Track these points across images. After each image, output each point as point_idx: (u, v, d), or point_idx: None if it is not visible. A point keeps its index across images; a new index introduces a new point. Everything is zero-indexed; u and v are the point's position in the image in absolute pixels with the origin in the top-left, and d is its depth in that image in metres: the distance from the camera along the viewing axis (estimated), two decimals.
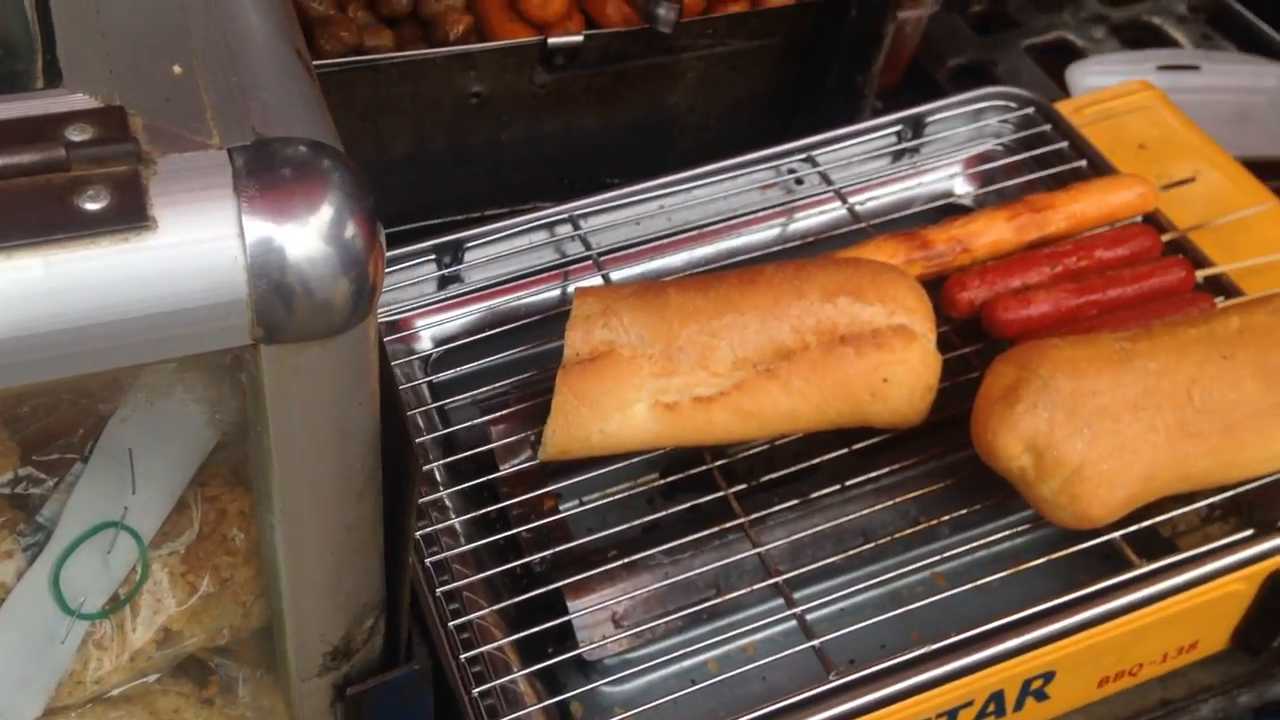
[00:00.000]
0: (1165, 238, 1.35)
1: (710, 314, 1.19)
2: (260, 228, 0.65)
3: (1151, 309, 1.26)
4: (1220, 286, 1.33)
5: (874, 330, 1.18)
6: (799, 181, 1.53)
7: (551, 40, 1.49)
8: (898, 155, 1.55)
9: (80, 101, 0.67)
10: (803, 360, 1.18)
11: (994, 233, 1.34)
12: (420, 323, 1.41)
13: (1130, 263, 1.31)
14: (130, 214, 0.63)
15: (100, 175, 0.63)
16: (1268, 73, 2.24)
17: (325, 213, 0.68)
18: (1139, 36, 2.44)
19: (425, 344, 1.41)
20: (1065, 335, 1.23)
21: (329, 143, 0.70)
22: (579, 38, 1.50)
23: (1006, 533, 1.23)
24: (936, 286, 1.33)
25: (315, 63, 1.41)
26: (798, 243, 1.46)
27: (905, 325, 1.18)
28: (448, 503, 1.26)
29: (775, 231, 1.52)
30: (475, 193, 1.63)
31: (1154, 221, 1.39)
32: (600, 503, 1.29)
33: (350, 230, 0.69)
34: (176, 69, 0.70)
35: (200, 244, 0.64)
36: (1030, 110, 1.53)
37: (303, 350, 0.69)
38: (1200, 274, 1.31)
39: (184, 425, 0.78)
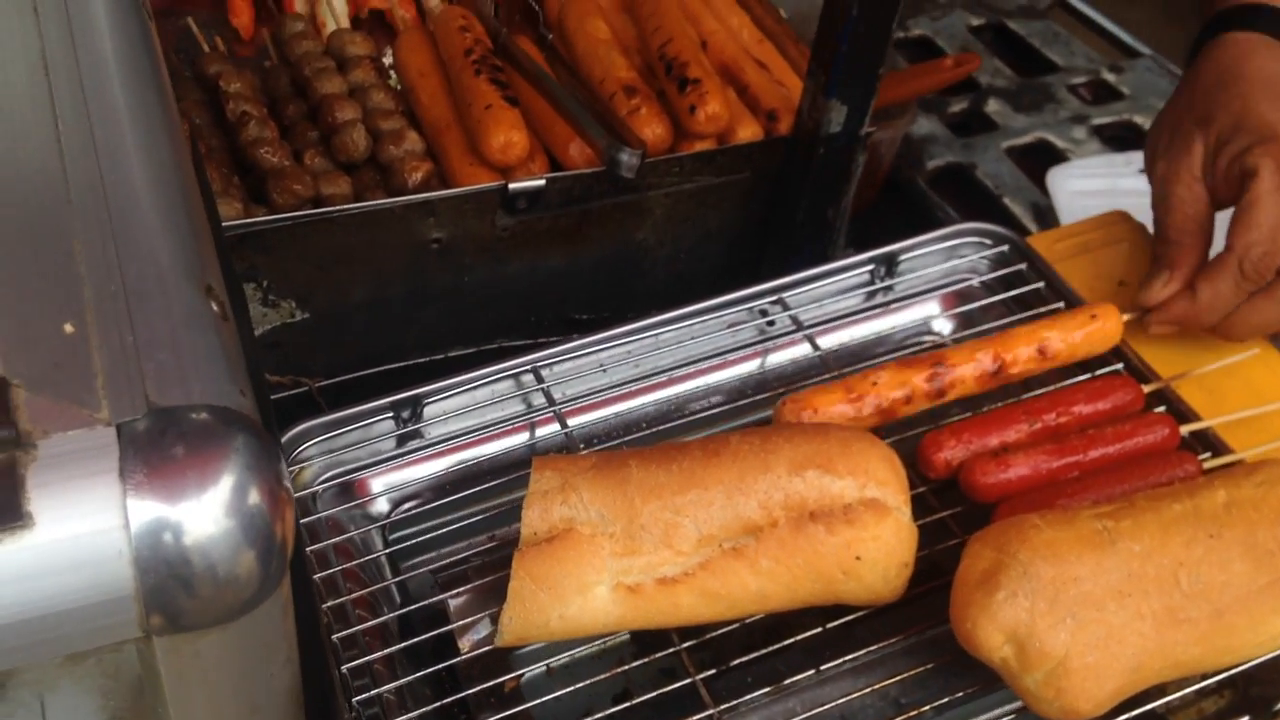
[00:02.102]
0: (1147, 389, 1.30)
1: (673, 489, 1.14)
2: (149, 512, 0.60)
3: (1135, 470, 1.20)
4: (1207, 441, 1.28)
5: (845, 505, 1.12)
6: (770, 323, 1.48)
7: (513, 185, 1.45)
8: (871, 293, 1.51)
9: None
10: (771, 538, 1.12)
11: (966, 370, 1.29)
12: (377, 484, 1.35)
13: (1111, 417, 1.26)
14: (5, 512, 0.58)
15: None
16: None
17: (224, 485, 0.62)
18: (1120, 135, 2.42)
19: (382, 506, 1.35)
20: (1046, 500, 1.18)
21: (231, 402, 0.65)
22: (541, 181, 1.46)
23: (997, 713, 1.16)
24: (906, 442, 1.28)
25: (269, 218, 1.38)
26: (767, 395, 1.40)
27: (878, 499, 1.13)
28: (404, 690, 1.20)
29: (745, 375, 1.47)
30: (438, 334, 1.58)
31: (1134, 370, 1.34)
32: (567, 665, 1.23)
33: (253, 498, 0.64)
34: (68, 327, 0.65)
35: (80, 540, 0.59)
36: (1006, 247, 1.49)
37: (204, 635, 0.63)
38: (1185, 429, 1.26)
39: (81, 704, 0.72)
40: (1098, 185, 2.19)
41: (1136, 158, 2.22)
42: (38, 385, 0.63)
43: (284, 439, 1.30)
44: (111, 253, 0.69)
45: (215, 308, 0.72)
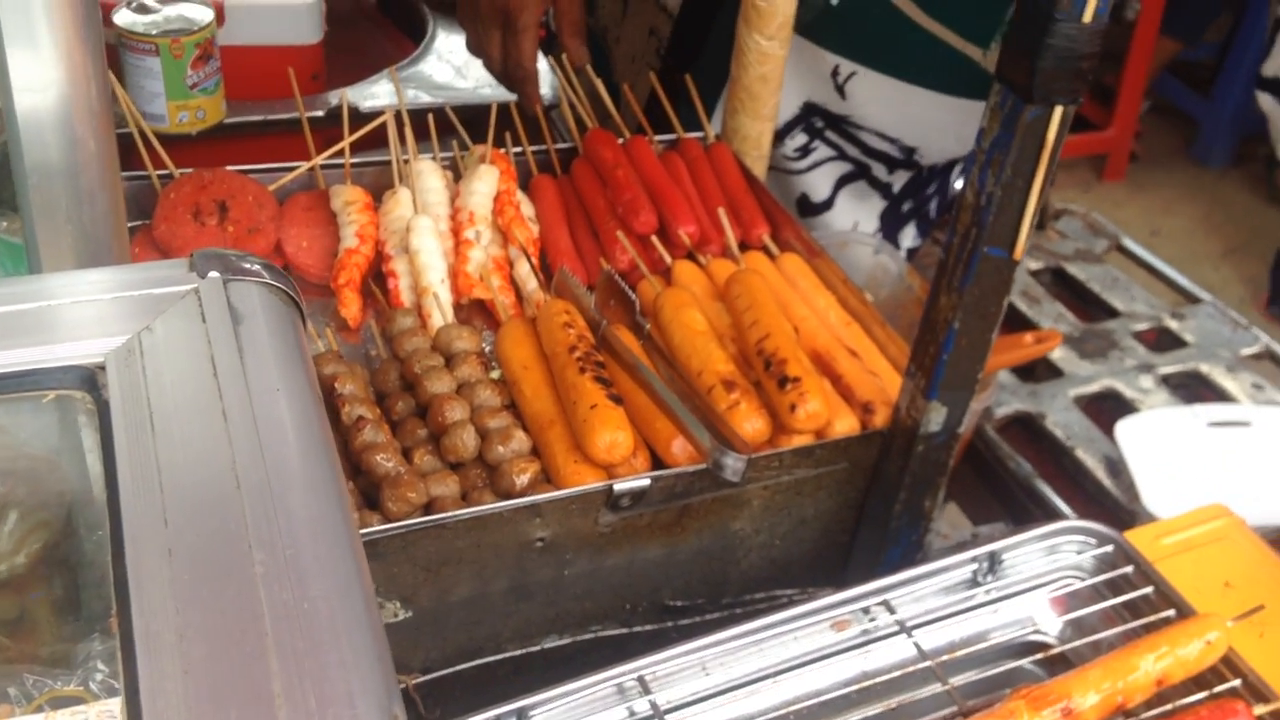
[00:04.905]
0: (1258, 711, 1.28)
1: None
2: None
3: None
4: None
5: None
6: (872, 620, 1.48)
7: (618, 486, 1.48)
8: (973, 590, 1.51)
9: None
10: None
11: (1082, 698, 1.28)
12: None
13: None
14: None
15: None
16: None
17: None
18: (1186, 384, 2.44)
19: None
20: None
21: None
22: (645, 481, 1.49)
23: None
24: None
25: (382, 528, 1.41)
26: (878, 706, 1.39)
27: None
28: None
29: (848, 676, 1.46)
30: (535, 626, 1.58)
31: (1251, 686, 1.32)
32: None
33: None
34: None
35: None
36: (1110, 548, 1.49)
37: None
38: None
39: None
40: (1168, 439, 2.20)
41: (1204, 410, 2.24)
42: None
43: None
44: (311, 698, 0.70)
45: None
